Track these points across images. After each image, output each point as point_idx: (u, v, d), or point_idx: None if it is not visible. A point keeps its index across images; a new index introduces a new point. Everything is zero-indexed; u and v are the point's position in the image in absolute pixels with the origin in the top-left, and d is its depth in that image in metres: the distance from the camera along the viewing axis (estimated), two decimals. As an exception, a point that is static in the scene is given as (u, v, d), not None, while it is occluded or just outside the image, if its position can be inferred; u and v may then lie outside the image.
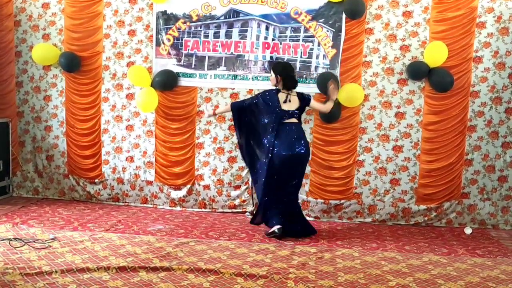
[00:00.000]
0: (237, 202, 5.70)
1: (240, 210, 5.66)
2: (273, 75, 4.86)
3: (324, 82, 5.31)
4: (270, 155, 4.69)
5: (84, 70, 5.80)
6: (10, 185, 6.06)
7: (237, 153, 5.64)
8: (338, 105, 5.35)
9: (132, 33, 5.73)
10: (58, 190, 6.04)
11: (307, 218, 5.47)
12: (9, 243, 4.21)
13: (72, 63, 5.71)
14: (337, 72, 5.40)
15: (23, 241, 4.28)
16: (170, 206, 5.81)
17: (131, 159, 5.87)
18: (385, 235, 5.01)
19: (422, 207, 5.42)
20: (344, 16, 5.34)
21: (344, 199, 5.52)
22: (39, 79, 5.95)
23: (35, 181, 6.09)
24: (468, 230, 5.20)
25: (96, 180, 5.94)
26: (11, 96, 5.99)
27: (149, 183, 5.86)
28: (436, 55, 5.16)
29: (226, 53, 5.59)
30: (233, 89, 5.60)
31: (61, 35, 5.83)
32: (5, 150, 5.91)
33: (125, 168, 5.88)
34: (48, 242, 4.30)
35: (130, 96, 5.79)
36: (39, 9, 5.85)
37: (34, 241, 4.30)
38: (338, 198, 5.52)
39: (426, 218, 5.42)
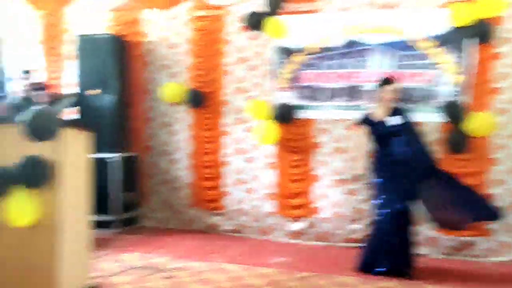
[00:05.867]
0: (357, 236, 5.52)
1: (361, 245, 5.46)
2: None
3: (450, 111, 5.07)
4: None
5: (208, 105, 6.06)
6: (139, 216, 6.42)
7: (357, 185, 5.50)
8: (466, 135, 5.04)
9: (252, 68, 5.90)
10: (182, 221, 6.27)
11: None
12: (139, 272, 4.43)
13: (197, 99, 6.01)
14: (464, 99, 5.10)
15: (151, 270, 4.48)
16: (289, 238, 5.78)
17: (251, 190, 5.97)
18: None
19: None
20: (471, 41, 5.06)
21: (475, 235, 5.11)
22: (166, 115, 6.31)
23: (161, 212, 6.39)
24: None
25: (218, 211, 6.10)
26: (141, 131, 6.41)
27: (269, 214, 5.89)
28: None
29: (344, 84, 5.54)
30: (352, 120, 5.50)
31: (187, 73, 6.16)
32: (134, 183, 6.31)
33: (245, 200, 5.99)
34: (173, 272, 4.46)
35: (250, 129, 5.93)
36: (167, 50, 6.25)
37: (161, 270, 4.48)
38: (469, 234, 5.12)
39: None
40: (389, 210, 4.41)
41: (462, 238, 5.13)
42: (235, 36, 5.94)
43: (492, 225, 5.06)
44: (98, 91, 6.04)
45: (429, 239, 5.22)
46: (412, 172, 4.44)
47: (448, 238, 5.18)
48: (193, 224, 6.23)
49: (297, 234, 5.75)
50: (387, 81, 4.67)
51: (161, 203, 6.39)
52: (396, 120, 4.55)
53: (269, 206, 5.89)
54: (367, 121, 4.66)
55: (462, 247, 5.15)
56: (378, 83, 4.72)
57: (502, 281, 4.41)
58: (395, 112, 4.60)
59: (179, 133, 6.26)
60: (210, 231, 6.12)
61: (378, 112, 4.64)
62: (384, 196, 4.49)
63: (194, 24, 6.08)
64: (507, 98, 5.03)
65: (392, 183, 4.46)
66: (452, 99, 5.15)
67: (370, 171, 4.69)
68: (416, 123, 4.71)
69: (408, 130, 4.57)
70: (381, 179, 4.53)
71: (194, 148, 6.19)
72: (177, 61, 6.22)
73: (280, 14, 5.71)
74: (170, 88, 6.10)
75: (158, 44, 6.29)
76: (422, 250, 5.19)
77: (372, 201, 4.65)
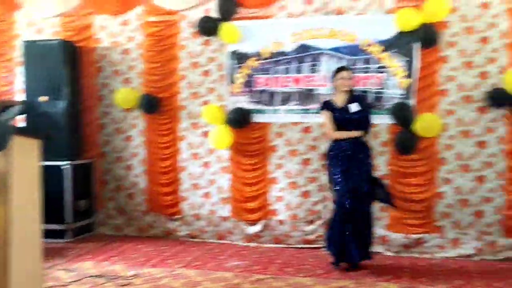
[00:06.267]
0: (312, 237, 5.63)
1: (316, 246, 5.57)
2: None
3: (398, 113, 5.23)
4: None
5: (163, 110, 6.04)
6: (94, 223, 6.33)
7: (311, 187, 5.61)
8: (414, 136, 5.22)
9: (206, 73, 5.92)
10: (138, 227, 6.22)
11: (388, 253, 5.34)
12: (94, 280, 4.38)
13: (151, 105, 5.98)
14: (412, 102, 5.28)
15: (107, 278, 4.43)
16: (245, 242, 5.82)
17: (207, 195, 5.98)
18: (471, 271, 4.74)
19: (511, 240, 5.10)
20: (417, 45, 5.25)
21: (424, 232, 5.30)
22: (121, 120, 6.25)
23: (116, 219, 6.31)
24: None
25: (175, 217, 6.08)
26: (95, 137, 6.32)
27: (225, 219, 5.92)
28: (518, 81, 4.93)
29: (297, 88, 5.64)
30: (306, 123, 5.61)
31: (141, 79, 6.13)
32: (88, 189, 6.22)
33: (202, 205, 6.00)
34: (130, 279, 4.43)
35: (205, 134, 5.94)
36: (120, 55, 6.20)
37: (117, 278, 4.44)
38: (419, 232, 5.31)
39: (516, 253, 5.09)
40: (346, 199, 4.53)
41: (413, 236, 5.31)
42: (189, 41, 5.95)
43: (441, 222, 5.27)
44: (45, 98, 5.92)
45: (381, 238, 5.38)
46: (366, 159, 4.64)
47: (399, 236, 5.35)
48: (150, 230, 6.18)
49: (253, 237, 5.80)
50: (340, 68, 4.83)
51: (117, 210, 6.31)
52: (356, 107, 4.66)
53: (225, 210, 5.92)
54: (328, 106, 4.75)
55: (412, 245, 5.32)
56: (333, 71, 4.84)
57: (450, 276, 4.58)
58: (354, 99, 4.72)
59: (134, 139, 6.21)
60: (167, 236, 6.09)
61: (337, 99, 4.75)
62: (340, 186, 4.59)
63: (146, 29, 6.06)
64: (453, 100, 5.24)
65: (348, 171, 4.57)
66: (400, 101, 5.32)
67: (327, 160, 4.80)
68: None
69: (366, 118, 4.71)
70: (338, 168, 4.62)
71: (150, 153, 6.15)
72: (130, 66, 6.17)
73: (233, 19, 5.76)
74: (124, 93, 6.06)
75: (110, 50, 6.23)
76: (374, 248, 5.34)
77: (331, 191, 4.77)
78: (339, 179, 4.61)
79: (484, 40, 5.13)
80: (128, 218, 6.27)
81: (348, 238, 4.58)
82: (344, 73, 4.72)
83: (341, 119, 4.66)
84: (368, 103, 4.92)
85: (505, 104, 5.05)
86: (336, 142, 4.70)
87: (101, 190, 6.35)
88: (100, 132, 6.32)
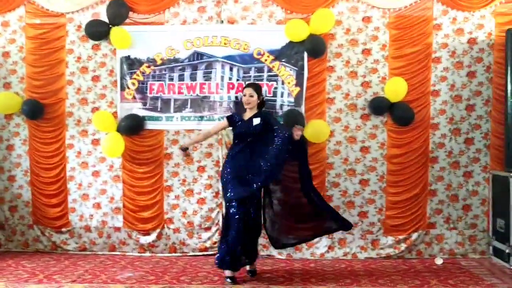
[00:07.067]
0: (208, 244, 5.64)
1: (212, 253, 5.58)
2: (256, 95, 4.77)
3: (290, 119, 5.41)
4: None
5: (48, 117, 5.72)
6: (-29, 239, 5.83)
7: (207, 194, 5.62)
8: (304, 141, 5.42)
9: (96, 78, 5.71)
10: (22, 242, 5.83)
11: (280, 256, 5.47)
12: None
13: (35, 111, 5.64)
14: (302, 109, 5.50)
15: (-14, 298, 4.11)
16: (139, 252, 5.68)
17: (98, 205, 5.76)
18: (358, 270, 5.02)
19: (391, 238, 5.48)
20: (306, 55, 5.48)
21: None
22: (1, 128, 5.82)
23: (-3, 234, 5.88)
24: (438, 261, 5.26)
25: (63, 229, 5.78)
26: (-30, 147, 5.84)
27: (117, 229, 5.74)
28: (396, 90, 5.33)
29: (191, 95, 5.63)
30: (200, 130, 5.61)
31: (23, 83, 5.76)
32: (-36, 203, 5.72)
33: (92, 216, 5.75)
34: (12, 298, 4.14)
35: (95, 142, 5.72)
36: (-1, 58, 5.80)
37: (-3, 298, 4.14)
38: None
39: (396, 251, 5.47)
40: (235, 208, 4.54)
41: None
42: (77, 45, 5.70)
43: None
44: None
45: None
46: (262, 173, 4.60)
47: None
48: (35, 244, 5.82)
49: (148, 247, 5.68)
50: (244, 85, 4.94)
51: (-3, 224, 5.88)
52: (257, 121, 4.72)
53: (117, 221, 5.73)
54: (231, 118, 4.83)
55: (302, 246, 5.51)
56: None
57: (339, 276, 4.83)
58: (258, 116, 4.77)
59: (16, 148, 5.82)
60: (55, 251, 5.77)
61: (245, 114, 4.81)
62: (231, 194, 4.58)
63: (29, 32, 5.71)
64: (339, 108, 5.53)
65: (241, 181, 4.57)
66: (291, 108, 5.51)
67: (223, 170, 4.81)
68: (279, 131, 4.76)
69: (264, 133, 4.69)
70: (230, 176, 4.63)
71: (34, 163, 5.79)
72: (11, 70, 5.77)
73: (124, 24, 5.61)
74: (4, 99, 5.65)
75: (-12, 53, 5.80)
76: (267, 251, 5.48)
77: (224, 199, 4.76)
78: (229, 187, 4.64)
79: (366, 51, 5.49)
80: (11, 232, 5.85)
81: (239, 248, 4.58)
82: (245, 90, 4.80)
83: (241, 131, 4.74)
84: (269, 120, 4.77)
85: (385, 111, 5.43)
86: (230, 152, 4.78)
87: (-21, 204, 5.87)
88: (-23, 141, 5.85)
